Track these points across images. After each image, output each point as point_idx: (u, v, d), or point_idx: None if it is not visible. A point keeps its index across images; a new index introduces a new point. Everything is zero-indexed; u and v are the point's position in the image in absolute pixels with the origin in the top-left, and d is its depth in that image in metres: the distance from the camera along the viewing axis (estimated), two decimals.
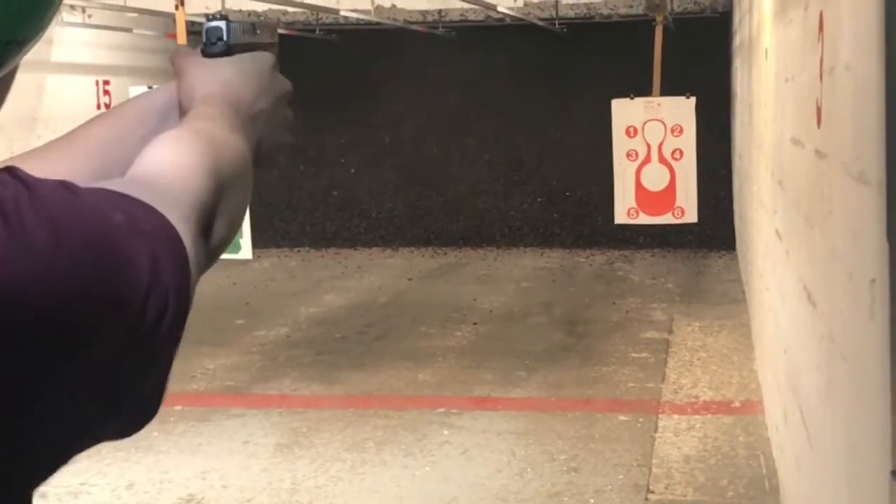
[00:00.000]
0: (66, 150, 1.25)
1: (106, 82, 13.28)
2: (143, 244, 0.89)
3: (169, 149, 1.08)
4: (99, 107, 13.24)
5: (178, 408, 6.70)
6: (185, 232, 0.96)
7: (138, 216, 0.92)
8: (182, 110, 1.26)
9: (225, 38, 1.27)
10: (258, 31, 1.34)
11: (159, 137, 1.11)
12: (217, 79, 1.25)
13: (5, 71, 0.94)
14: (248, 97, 1.25)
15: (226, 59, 1.27)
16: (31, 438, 0.83)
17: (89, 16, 12.12)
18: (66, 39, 12.50)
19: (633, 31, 12.11)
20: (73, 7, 11.42)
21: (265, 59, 1.32)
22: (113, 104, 13.26)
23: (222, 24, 1.28)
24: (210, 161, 1.07)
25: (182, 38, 7.68)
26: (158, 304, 0.89)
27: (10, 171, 0.86)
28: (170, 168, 1.04)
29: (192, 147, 1.09)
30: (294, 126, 1.35)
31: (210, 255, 1.06)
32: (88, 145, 1.26)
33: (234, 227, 1.12)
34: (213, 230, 1.05)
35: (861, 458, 2.35)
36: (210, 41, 1.27)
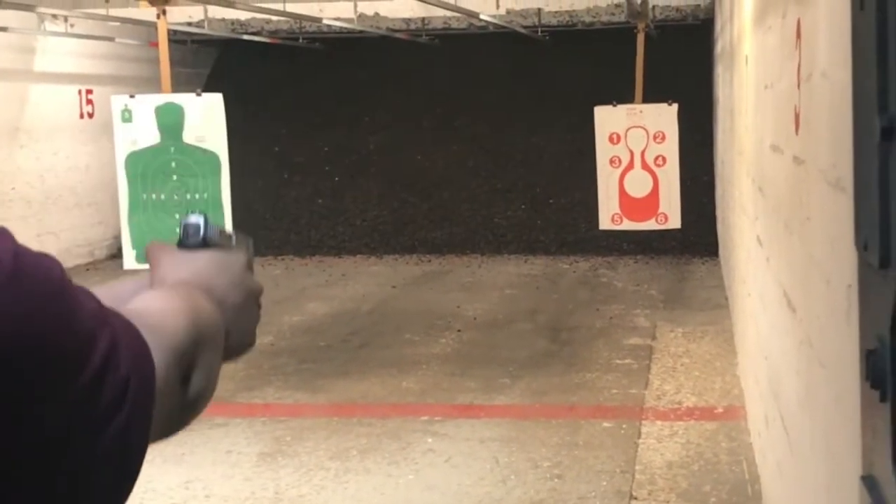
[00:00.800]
0: None
1: (89, 91, 13.26)
2: (105, 330, 0.91)
3: (152, 299, 1.11)
4: (82, 116, 13.22)
5: None
6: (159, 357, 0.98)
7: (110, 314, 0.94)
8: None
9: (202, 232, 1.31)
10: (233, 240, 1.38)
11: (141, 294, 1.14)
12: (189, 268, 1.28)
13: None
14: (219, 289, 1.27)
15: (200, 252, 1.30)
16: None
17: (72, 25, 12.10)
18: (49, 49, 12.48)
19: (616, 38, 12.16)
20: (55, 16, 11.40)
21: (238, 257, 1.35)
22: (96, 113, 13.27)
23: (200, 219, 1.32)
24: (191, 312, 1.10)
25: (164, 47, 7.67)
26: (113, 394, 0.90)
27: None
28: (153, 311, 1.06)
29: (175, 299, 1.12)
30: (258, 326, 1.39)
31: (187, 406, 1.08)
32: None
33: (211, 386, 1.14)
34: (192, 380, 1.07)
35: (838, 463, 2.36)
36: (186, 234, 1.31)
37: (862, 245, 1.45)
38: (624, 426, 6.40)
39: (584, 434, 6.29)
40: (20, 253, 0.87)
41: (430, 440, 6.26)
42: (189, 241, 1.30)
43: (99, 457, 0.91)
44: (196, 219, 1.32)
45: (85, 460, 0.90)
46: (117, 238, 11.22)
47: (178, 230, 1.32)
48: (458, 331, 9.16)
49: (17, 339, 0.83)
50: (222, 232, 1.35)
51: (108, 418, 0.90)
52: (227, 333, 1.25)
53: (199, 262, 1.28)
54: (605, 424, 6.46)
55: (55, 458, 0.87)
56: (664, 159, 9.36)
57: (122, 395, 0.90)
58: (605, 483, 5.51)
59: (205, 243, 1.31)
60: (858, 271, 1.70)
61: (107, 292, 1.28)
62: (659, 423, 6.44)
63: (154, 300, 1.11)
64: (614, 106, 9.51)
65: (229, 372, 7.91)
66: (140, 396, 0.92)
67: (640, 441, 6.11)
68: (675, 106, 9.38)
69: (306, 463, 5.92)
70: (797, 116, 3.21)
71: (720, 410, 6.64)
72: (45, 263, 0.89)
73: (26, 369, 0.83)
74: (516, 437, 6.28)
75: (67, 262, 12.99)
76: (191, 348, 1.06)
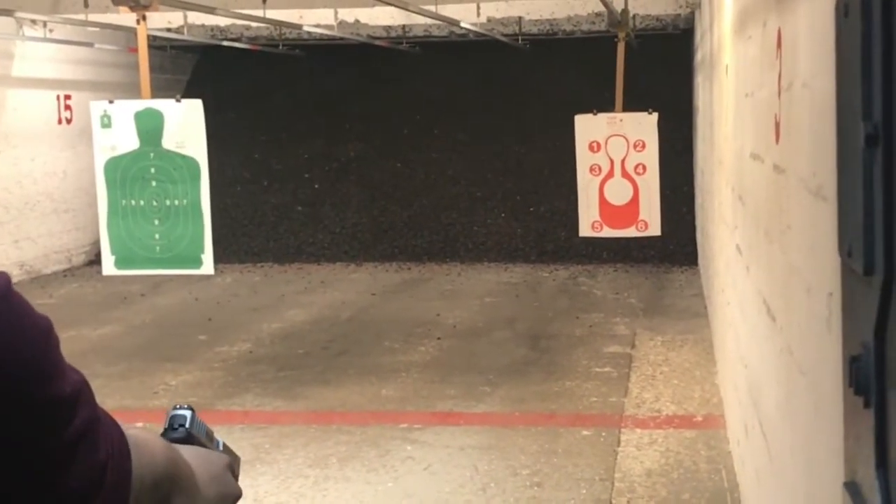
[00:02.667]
0: None
1: (67, 97, 13.20)
2: (87, 409, 0.93)
3: (134, 429, 1.11)
4: (60, 122, 13.16)
5: (140, 424, 6.64)
6: (138, 470, 0.99)
7: (96, 404, 0.95)
8: None
9: (187, 425, 1.32)
10: (219, 446, 1.39)
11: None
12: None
13: None
14: (200, 479, 1.27)
15: (184, 446, 1.30)
16: None
17: (50, 30, 12.05)
18: (27, 54, 12.42)
19: (596, 47, 12.19)
20: (34, 22, 11.35)
21: (221, 457, 1.36)
22: (75, 119, 13.21)
23: (187, 413, 1.33)
24: (169, 454, 1.13)
25: (144, 52, 7.65)
26: (90, 468, 0.91)
27: None
28: (136, 433, 1.08)
29: (158, 441, 1.14)
30: None
31: None
32: None
33: None
34: None
35: (818, 471, 2.37)
36: (172, 426, 1.32)
37: (846, 252, 1.45)
38: (603, 434, 6.41)
39: (563, 442, 6.29)
40: (12, 291, 0.89)
41: (409, 448, 6.25)
42: (174, 434, 1.31)
43: None
44: (183, 412, 1.33)
45: None
46: (95, 244, 11.17)
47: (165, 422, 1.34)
48: (438, 338, 9.15)
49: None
50: (208, 432, 1.37)
51: (80, 499, 0.89)
52: None
53: (182, 452, 1.28)
54: (585, 432, 6.46)
55: None
56: (644, 167, 9.38)
57: (98, 479, 0.89)
58: (584, 491, 5.51)
59: (188, 437, 1.32)
60: (842, 278, 1.70)
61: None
62: (638, 431, 6.45)
63: (139, 431, 1.12)
64: (594, 114, 9.52)
65: (207, 379, 7.89)
66: (116, 490, 0.92)
67: (620, 449, 6.12)
68: (656, 115, 9.40)
69: (285, 470, 5.90)
70: (777, 125, 3.22)
71: (699, 419, 6.66)
72: (34, 310, 0.91)
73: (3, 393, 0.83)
74: (496, 444, 6.28)
75: (45, 269, 12.93)
76: (166, 482, 1.08)
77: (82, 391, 0.92)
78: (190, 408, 1.35)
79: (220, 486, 1.31)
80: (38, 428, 0.86)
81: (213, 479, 1.29)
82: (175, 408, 1.34)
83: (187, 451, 1.27)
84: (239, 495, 1.36)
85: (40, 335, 0.89)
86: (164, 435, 1.30)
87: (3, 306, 0.86)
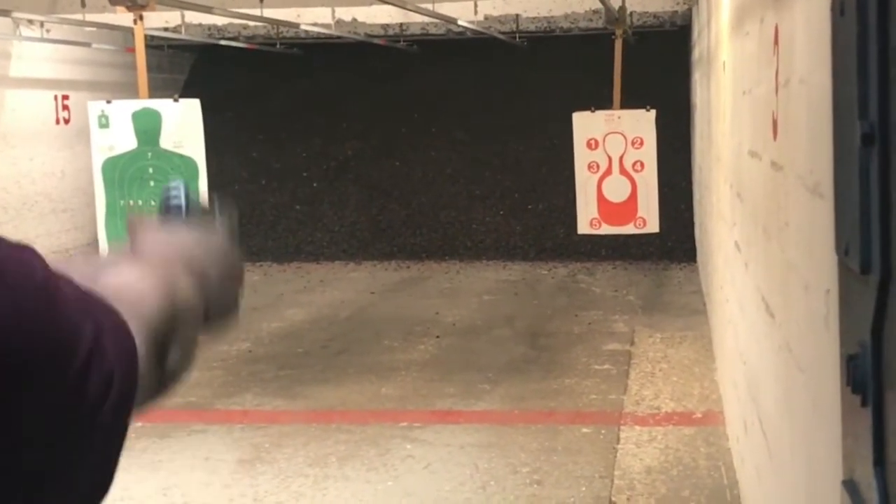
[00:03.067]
0: None
1: (65, 97, 13.20)
2: (88, 318, 0.89)
3: (125, 273, 1.07)
4: (58, 122, 13.16)
5: (139, 424, 6.65)
6: (138, 332, 0.96)
7: (88, 297, 0.92)
8: None
9: (183, 203, 1.28)
10: (216, 209, 1.35)
11: (113, 267, 1.10)
12: (169, 242, 1.25)
13: None
14: (199, 263, 1.24)
15: (181, 226, 1.27)
16: None
17: (47, 30, 12.04)
18: (25, 54, 12.42)
19: (594, 44, 12.19)
20: (31, 22, 11.34)
21: (220, 232, 1.32)
22: (72, 119, 13.21)
23: (181, 190, 1.29)
24: (168, 286, 1.08)
25: (141, 52, 7.64)
26: (102, 378, 0.88)
27: None
28: (128, 284, 1.04)
29: (151, 273, 1.09)
30: (239, 304, 1.35)
31: (165, 380, 1.06)
32: None
33: (188, 361, 1.12)
34: (169, 355, 1.05)
35: (817, 468, 2.37)
36: (167, 206, 1.28)
37: (843, 251, 1.45)
38: (603, 431, 6.41)
39: (563, 439, 6.29)
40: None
41: (409, 446, 6.25)
42: (170, 213, 1.27)
43: (84, 451, 0.89)
44: (177, 189, 1.28)
45: (69, 456, 0.88)
46: (93, 244, 11.16)
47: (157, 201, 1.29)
48: (437, 337, 9.15)
49: (1, 344, 0.81)
50: (203, 202, 1.32)
51: (94, 411, 0.88)
52: (208, 308, 1.22)
53: (179, 236, 1.25)
54: (584, 430, 6.46)
55: (38, 456, 0.85)
56: (642, 164, 9.39)
57: (107, 386, 0.88)
58: (584, 488, 5.51)
59: (186, 215, 1.28)
60: (839, 277, 1.70)
61: (85, 267, 1.27)
62: (638, 428, 6.45)
63: (129, 275, 1.08)
64: (592, 112, 9.53)
65: (207, 379, 7.89)
66: (124, 385, 0.90)
67: (619, 446, 6.12)
68: (654, 112, 9.40)
69: (285, 470, 5.90)
70: (775, 122, 3.22)
71: (699, 416, 6.66)
72: (24, 257, 0.87)
73: (11, 375, 0.82)
74: (496, 442, 6.28)
75: None
76: (166, 326, 1.04)
77: (79, 307, 0.89)
78: (184, 183, 1.30)
79: (223, 263, 1.28)
80: (56, 371, 0.85)
81: (215, 260, 1.27)
82: (167, 184, 1.29)
83: (184, 234, 1.25)
84: (241, 269, 1.33)
85: (39, 285, 0.86)
86: (159, 213, 1.27)
87: None
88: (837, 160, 1.60)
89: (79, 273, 1.19)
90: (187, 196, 1.28)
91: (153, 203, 7.68)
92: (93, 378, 0.87)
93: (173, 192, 1.28)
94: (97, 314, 0.91)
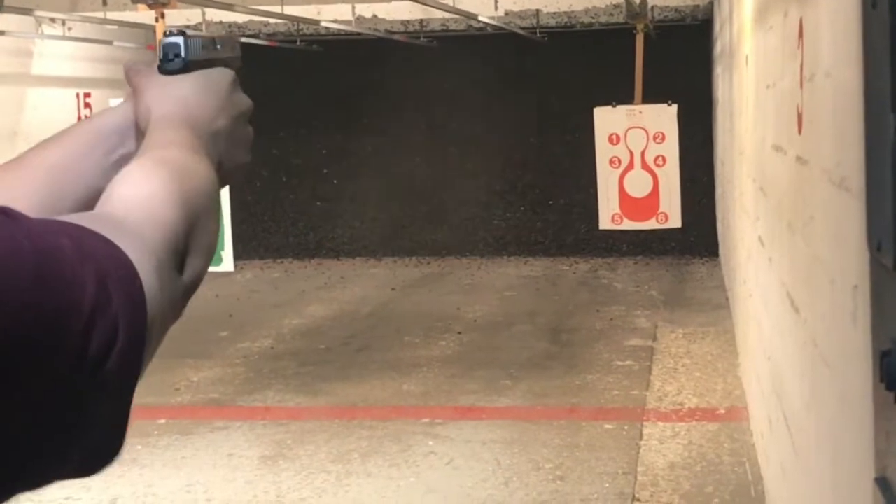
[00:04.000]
0: (13, 177, 1.15)
1: (87, 95, 13.24)
2: (89, 269, 0.85)
3: (135, 183, 1.04)
4: (80, 119, 13.20)
5: (162, 421, 6.68)
6: (149, 268, 0.92)
7: (89, 244, 0.88)
8: (139, 130, 1.21)
9: (182, 54, 1.22)
10: (218, 46, 1.29)
11: (123, 172, 1.06)
12: (174, 97, 1.21)
13: None
14: (207, 116, 1.21)
15: (183, 77, 1.22)
16: None
17: (69, 28, 12.08)
18: (47, 52, 12.47)
19: (615, 39, 12.14)
20: (52, 20, 11.38)
21: (224, 75, 1.27)
22: None
23: (179, 39, 1.23)
24: (179, 191, 1.03)
25: None
26: (105, 334, 0.85)
27: None
28: (137, 202, 1.00)
29: (159, 178, 1.04)
30: (252, 144, 1.32)
31: (186, 290, 1.02)
32: (39, 171, 1.17)
33: (209, 257, 1.08)
34: (187, 263, 1.02)
35: (844, 465, 2.35)
36: (167, 57, 1.22)
37: (875, 246, 1.44)
38: (626, 428, 6.39)
39: (585, 436, 6.28)
40: None
41: (431, 442, 6.25)
42: (169, 66, 1.22)
43: (89, 405, 0.86)
44: (175, 39, 1.23)
45: (74, 411, 0.85)
46: None
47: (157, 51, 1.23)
48: (459, 333, 9.14)
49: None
50: (204, 45, 1.26)
51: (99, 363, 0.84)
52: (221, 162, 1.19)
53: (184, 90, 1.21)
54: (607, 426, 6.45)
55: (41, 414, 0.82)
56: (664, 159, 9.36)
57: (112, 336, 0.86)
58: (607, 485, 5.50)
59: (186, 66, 1.23)
60: (871, 273, 1.69)
61: (93, 130, 1.23)
62: (661, 424, 6.43)
63: (139, 185, 1.03)
64: (614, 106, 9.50)
65: (229, 376, 7.91)
66: (131, 333, 0.87)
67: (642, 442, 6.10)
68: (675, 106, 9.37)
69: (307, 466, 5.91)
70: (800, 116, 3.19)
71: (722, 411, 6.63)
72: (9, 230, 0.83)
73: (14, 350, 0.79)
74: (518, 438, 6.27)
75: None
76: (184, 237, 1.00)
77: (77, 257, 0.85)
78: (182, 32, 1.24)
79: (231, 110, 1.25)
80: (55, 342, 0.82)
81: (223, 108, 1.24)
82: (166, 35, 1.23)
83: (188, 86, 1.21)
84: (250, 107, 1.29)
85: (33, 269, 0.80)
86: (160, 68, 1.22)
87: None
88: (869, 155, 1.58)
89: (91, 156, 1.17)
90: (187, 46, 1.23)
91: None
92: (97, 333, 0.84)
93: (172, 43, 1.23)
94: (98, 259, 0.87)
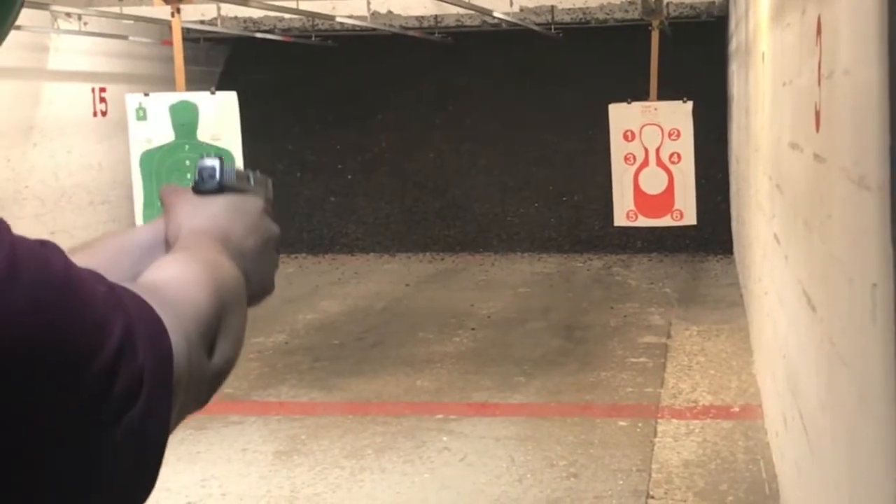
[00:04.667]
0: None
1: (102, 90, 13.27)
2: (118, 318, 0.87)
3: (171, 268, 1.07)
4: (95, 114, 13.24)
5: None
6: (179, 333, 0.94)
7: (123, 296, 0.90)
8: (168, 244, 1.23)
9: (217, 176, 1.27)
10: (251, 181, 1.34)
11: (159, 260, 1.10)
12: (205, 214, 1.24)
13: None
14: (236, 234, 1.24)
15: (216, 197, 1.26)
16: None
17: (85, 23, 12.10)
18: (62, 47, 12.49)
19: (630, 35, 12.12)
20: (68, 15, 11.41)
21: (255, 202, 1.31)
22: (110, 112, 13.29)
23: (216, 162, 1.28)
24: (212, 280, 1.07)
25: (178, 45, 7.67)
26: (128, 384, 0.86)
27: None
28: (173, 284, 1.02)
29: (194, 266, 1.08)
30: (277, 271, 1.34)
31: (215, 375, 1.04)
32: None
33: (237, 348, 1.11)
34: (217, 348, 1.04)
35: (862, 464, 2.34)
36: (202, 178, 1.27)
37: None
38: (640, 425, 6.38)
39: (599, 433, 6.27)
40: (17, 246, 0.83)
41: (445, 439, 6.25)
42: (205, 185, 1.26)
43: (111, 451, 0.87)
44: (212, 162, 1.28)
45: (94, 456, 0.86)
46: None
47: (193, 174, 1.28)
48: (472, 329, 9.14)
49: (21, 341, 0.79)
50: (239, 174, 1.31)
51: (120, 410, 0.86)
52: (246, 281, 1.22)
53: (215, 208, 1.25)
54: (621, 423, 6.44)
55: (61, 456, 0.84)
56: (679, 156, 9.33)
57: (137, 385, 0.87)
58: (621, 482, 5.49)
59: (221, 188, 1.27)
60: (893, 270, 1.68)
61: (122, 243, 1.25)
62: (675, 421, 6.42)
63: (172, 269, 1.07)
64: (629, 103, 9.48)
65: (243, 370, 7.91)
66: (157, 386, 0.88)
67: (657, 440, 6.09)
68: (690, 103, 9.35)
69: (322, 461, 5.92)
70: (818, 114, 3.18)
71: (736, 409, 6.62)
72: (44, 254, 0.86)
73: (33, 371, 0.80)
74: (532, 435, 6.27)
75: None
76: (215, 320, 1.03)
77: (108, 302, 0.87)
78: (218, 156, 1.29)
79: (260, 235, 1.28)
80: (80, 364, 0.83)
81: (252, 231, 1.26)
82: (202, 157, 1.29)
83: (220, 206, 1.25)
84: (277, 235, 1.33)
85: (60, 283, 0.84)
86: (195, 188, 1.27)
87: (12, 277, 0.81)
88: (892, 152, 1.58)
89: (116, 267, 1.18)
90: (222, 170, 1.27)
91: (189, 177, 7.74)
92: (121, 375, 0.85)
93: (208, 166, 1.27)
94: (129, 310, 0.89)
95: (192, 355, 0.97)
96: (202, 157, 1.29)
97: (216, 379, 1.05)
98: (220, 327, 1.05)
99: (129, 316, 0.88)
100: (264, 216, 1.31)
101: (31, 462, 0.82)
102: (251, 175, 1.35)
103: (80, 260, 1.20)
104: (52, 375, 0.82)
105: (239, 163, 7.66)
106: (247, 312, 1.17)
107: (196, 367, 0.97)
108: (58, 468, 0.84)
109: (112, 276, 1.11)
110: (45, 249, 0.87)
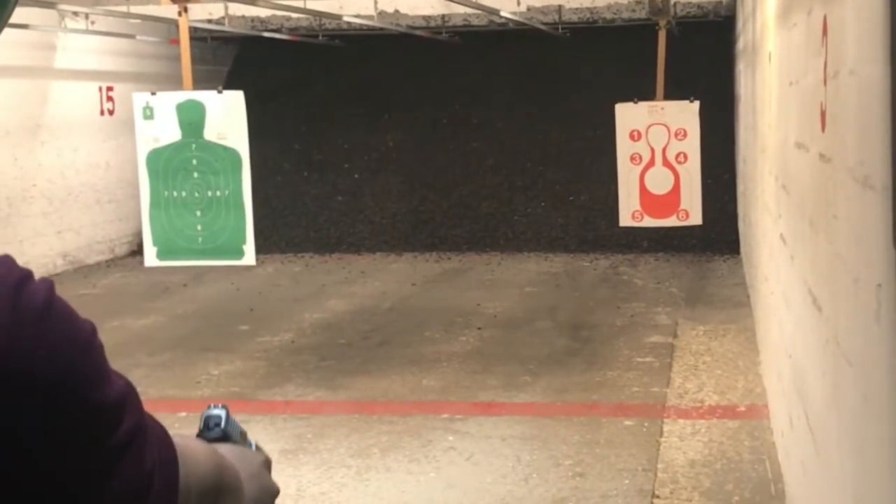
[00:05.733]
0: None
1: (109, 88, 13.30)
2: (133, 416, 0.91)
3: (182, 439, 1.11)
4: (102, 113, 13.26)
5: (183, 414, 6.70)
6: (184, 471, 0.99)
7: (143, 411, 0.95)
8: None
9: (223, 424, 1.34)
10: (252, 445, 1.41)
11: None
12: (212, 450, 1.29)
13: None
14: (237, 478, 1.27)
15: (221, 444, 1.31)
16: None
17: (92, 22, 12.12)
18: (70, 46, 12.52)
19: (637, 35, 12.13)
20: (76, 14, 11.43)
21: (258, 454, 1.38)
22: (117, 110, 13.31)
23: (222, 412, 1.35)
24: (217, 461, 1.13)
25: (185, 44, 7.68)
26: (132, 484, 0.90)
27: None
28: (186, 442, 1.08)
29: (202, 446, 1.15)
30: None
31: None
32: None
33: None
34: None
35: (867, 464, 2.35)
36: (207, 426, 1.34)
37: None
38: (646, 424, 6.38)
39: (605, 432, 6.27)
40: (56, 297, 0.89)
41: (451, 438, 6.26)
42: (210, 433, 1.33)
43: None
44: (218, 412, 1.35)
45: None
46: (137, 235, 11.25)
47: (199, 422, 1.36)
48: (479, 328, 9.15)
49: (42, 374, 0.82)
50: (242, 432, 1.38)
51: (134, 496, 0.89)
52: None
53: (222, 451, 1.29)
54: (627, 423, 6.44)
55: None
56: (685, 156, 9.32)
57: (144, 487, 0.89)
58: (627, 481, 5.49)
59: (225, 437, 1.33)
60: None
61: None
62: (681, 421, 6.42)
63: (184, 438, 1.12)
64: (635, 103, 9.47)
65: (250, 369, 7.93)
66: (162, 499, 0.92)
67: (662, 439, 6.09)
68: (697, 103, 9.34)
69: (328, 460, 5.92)
70: (823, 114, 3.19)
71: (743, 409, 6.62)
72: (78, 316, 0.91)
73: (51, 409, 0.83)
74: (538, 434, 6.27)
75: (88, 259, 13.05)
76: (213, 489, 1.08)
77: (128, 398, 0.92)
78: (224, 407, 1.36)
79: (260, 483, 1.32)
80: (84, 435, 0.86)
81: (252, 477, 1.31)
82: (210, 408, 1.36)
83: (225, 450, 1.28)
84: (277, 492, 1.37)
85: (84, 341, 0.89)
86: (199, 435, 1.32)
87: (47, 313, 0.86)
88: (895, 152, 1.58)
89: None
90: (227, 419, 1.35)
91: (196, 194, 7.74)
92: (127, 467, 0.89)
93: (214, 415, 1.35)
94: (145, 419, 0.94)
95: (192, 495, 1.01)
96: (209, 407, 1.37)
97: None
98: (217, 500, 1.10)
99: (145, 424, 0.93)
100: (265, 470, 1.37)
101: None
102: (248, 440, 1.42)
103: None
104: (65, 436, 0.86)
105: (245, 162, 7.67)
106: None
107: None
108: None
109: None
110: (81, 317, 0.92)
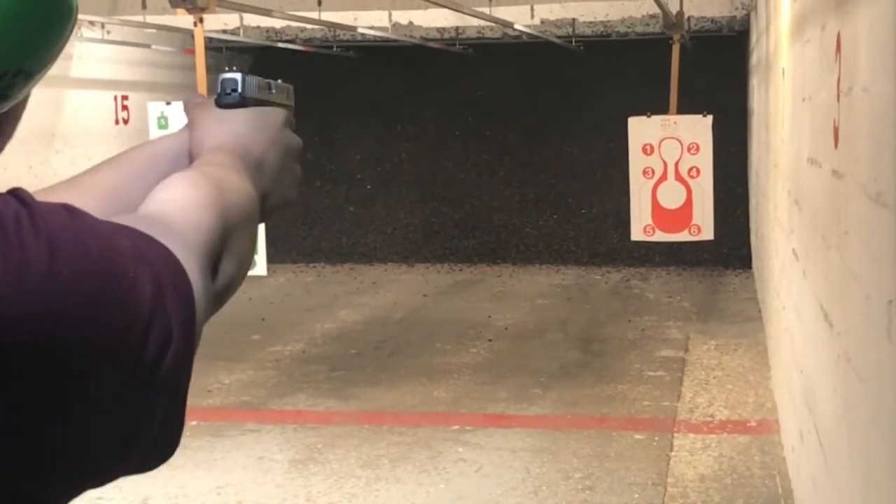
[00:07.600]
0: (72, 193, 1.21)
1: (124, 98, 13.35)
2: (146, 271, 0.89)
3: (178, 188, 1.09)
4: (117, 122, 13.31)
5: (194, 423, 6.71)
6: (191, 267, 0.95)
7: (143, 245, 0.92)
8: (192, 158, 1.27)
9: (239, 89, 1.29)
10: (273, 91, 1.36)
11: (169, 178, 1.12)
12: (228, 129, 1.27)
13: (14, 102, 0.94)
14: (258, 148, 1.27)
15: (238, 111, 1.28)
16: (24, 476, 0.81)
17: (108, 32, 12.18)
18: (85, 55, 12.57)
19: (650, 49, 12.13)
20: (91, 23, 11.49)
21: (277, 113, 1.33)
22: (131, 120, 13.35)
23: (238, 76, 1.30)
24: (218, 201, 1.08)
25: (200, 54, 7.71)
26: (161, 335, 0.88)
27: (13, 191, 0.87)
28: (178, 206, 1.04)
29: (201, 187, 1.09)
30: (300, 182, 1.36)
31: (217, 295, 1.06)
32: (95, 189, 1.24)
33: (243, 269, 1.12)
34: (220, 269, 1.05)
35: (877, 479, 2.35)
36: (224, 91, 1.29)
37: None
38: (656, 438, 6.38)
39: (615, 446, 6.27)
40: (51, 229, 0.84)
41: (461, 449, 6.26)
42: (226, 99, 1.29)
43: (149, 405, 0.89)
44: (233, 75, 1.30)
45: (136, 414, 0.88)
46: None
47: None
48: (489, 340, 9.15)
49: (65, 328, 0.81)
50: (260, 86, 1.33)
51: (155, 366, 0.88)
52: (267, 194, 1.24)
53: (236, 123, 1.27)
54: (637, 436, 6.43)
55: (104, 419, 0.86)
56: (698, 171, 9.31)
57: (167, 338, 0.88)
58: (636, 495, 5.49)
59: (242, 101, 1.29)
60: None
61: (148, 156, 1.29)
62: (691, 435, 6.41)
63: (179, 190, 1.07)
64: (648, 116, 9.47)
65: (261, 379, 7.95)
66: (183, 333, 0.90)
67: (673, 454, 6.09)
68: (710, 118, 9.33)
69: (337, 471, 5.93)
70: (836, 130, 3.19)
71: (753, 424, 6.61)
72: (76, 231, 0.87)
73: (78, 354, 0.82)
74: (548, 447, 6.27)
75: None
76: (219, 241, 1.04)
77: (134, 259, 0.89)
78: (240, 70, 1.31)
79: (281, 147, 1.30)
80: (119, 339, 0.85)
81: (273, 144, 1.28)
82: (226, 70, 1.31)
83: (241, 120, 1.27)
84: (299, 146, 1.34)
85: (102, 280, 0.85)
86: (217, 101, 1.29)
87: (56, 282, 0.82)
88: None
89: (143, 180, 1.22)
90: (244, 83, 1.30)
91: None
92: (154, 333, 0.87)
93: (230, 79, 1.30)
94: (153, 261, 0.90)
95: (206, 282, 0.98)
96: (226, 70, 1.31)
97: (218, 299, 1.07)
98: (224, 248, 1.06)
99: (154, 267, 0.90)
100: (286, 127, 1.33)
101: (76, 427, 0.84)
102: (272, 84, 1.37)
103: (108, 175, 1.25)
104: (96, 355, 0.84)
105: None
106: (256, 232, 1.18)
107: (202, 293, 0.97)
108: (101, 430, 0.86)
109: (139, 189, 1.16)
110: (74, 219, 0.88)
